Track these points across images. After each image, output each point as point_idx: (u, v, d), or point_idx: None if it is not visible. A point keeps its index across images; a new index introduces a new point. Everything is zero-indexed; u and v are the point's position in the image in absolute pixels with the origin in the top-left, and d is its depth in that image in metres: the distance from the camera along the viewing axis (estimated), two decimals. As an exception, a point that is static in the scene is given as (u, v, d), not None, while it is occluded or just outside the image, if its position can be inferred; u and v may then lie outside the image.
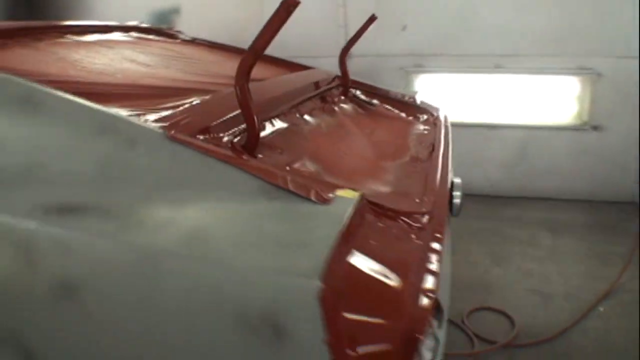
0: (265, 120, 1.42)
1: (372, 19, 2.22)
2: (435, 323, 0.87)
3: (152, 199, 0.97)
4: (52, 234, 0.89)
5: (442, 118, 2.14)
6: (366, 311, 0.75)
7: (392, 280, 0.79)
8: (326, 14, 4.26)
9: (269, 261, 0.77)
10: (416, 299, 0.78)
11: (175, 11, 4.98)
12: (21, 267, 0.90)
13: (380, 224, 0.95)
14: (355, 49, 3.74)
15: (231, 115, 1.23)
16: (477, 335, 2.41)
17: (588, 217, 3.64)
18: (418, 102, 2.33)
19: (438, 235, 0.98)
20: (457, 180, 1.64)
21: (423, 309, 0.78)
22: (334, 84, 2.24)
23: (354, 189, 0.97)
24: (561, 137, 3.88)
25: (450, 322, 2.47)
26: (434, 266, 0.87)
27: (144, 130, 1.07)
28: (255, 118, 1.14)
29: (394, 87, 3.79)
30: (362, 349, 0.72)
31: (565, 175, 3.91)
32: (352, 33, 3.84)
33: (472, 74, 3.96)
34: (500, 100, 3.98)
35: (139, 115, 1.11)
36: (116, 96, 1.32)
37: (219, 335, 0.79)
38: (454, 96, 4.09)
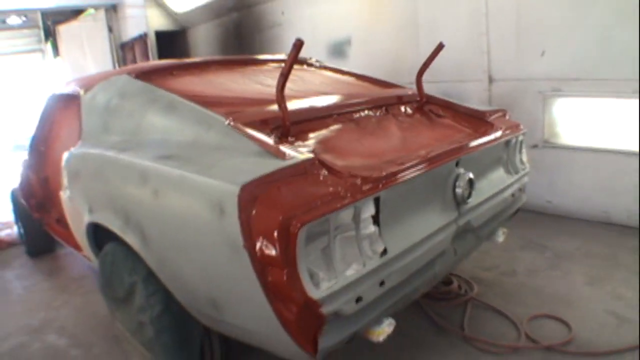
0: (312, 119, 2.33)
1: (440, 46, 2.78)
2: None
3: (211, 155, 1.95)
4: (156, 167, 1.95)
5: (501, 132, 2.64)
6: (265, 212, 1.55)
7: (289, 198, 1.60)
8: (471, 42, 4.81)
9: (229, 177, 1.66)
10: (299, 213, 1.53)
11: (347, 42, 6.12)
12: (140, 181, 1.97)
13: (321, 175, 1.77)
14: (497, 73, 4.45)
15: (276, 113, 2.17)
16: (528, 336, 2.68)
17: None
18: (492, 117, 2.83)
19: (357, 193, 1.70)
20: (471, 176, 2.24)
21: (301, 217, 1.52)
22: (406, 99, 2.91)
23: (310, 154, 1.82)
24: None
25: (508, 319, 2.86)
26: (328, 204, 1.60)
27: (217, 120, 2.08)
28: (285, 116, 2.07)
29: (531, 110, 4.32)
30: (258, 232, 1.55)
31: None
32: (494, 59, 4.52)
33: (611, 98, 4.08)
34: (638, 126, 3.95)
35: (225, 114, 2.12)
36: (223, 104, 2.37)
37: (203, 213, 1.72)
38: (591, 121, 4.28)
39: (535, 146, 4.55)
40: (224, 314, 1.86)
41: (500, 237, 2.81)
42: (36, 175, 3.93)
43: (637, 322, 2.79)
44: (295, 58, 1.97)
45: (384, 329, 1.92)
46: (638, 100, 3.75)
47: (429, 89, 3.08)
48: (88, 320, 3.35)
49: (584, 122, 4.38)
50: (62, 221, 3.55)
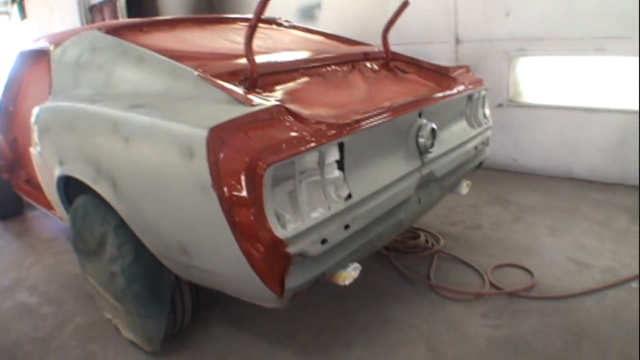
0: (280, 72, 2.38)
1: (405, 4, 2.84)
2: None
3: (182, 104, 2.00)
4: (127, 116, 2.00)
5: (464, 86, 2.74)
6: (232, 154, 1.61)
7: (255, 141, 1.67)
8: (438, 4, 4.90)
9: (198, 122, 1.71)
10: (265, 156, 1.60)
11: (317, 6, 6.12)
12: (111, 130, 2.02)
13: (287, 121, 1.84)
14: (463, 35, 4.56)
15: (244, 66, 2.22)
16: (492, 284, 2.81)
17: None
18: (456, 73, 2.92)
19: (321, 138, 1.78)
20: (433, 126, 2.33)
21: (266, 159, 1.59)
22: (372, 56, 2.97)
23: (276, 103, 1.89)
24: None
25: (473, 269, 2.99)
26: (294, 147, 1.68)
27: (186, 71, 2.12)
28: (253, 67, 2.11)
29: (496, 70, 4.44)
30: (226, 173, 1.61)
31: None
32: (461, 20, 4.60)
33: (574, 56, 4.21)
34: (601, 83, 4.15)
35: (195, 66, 2.16)
36: (192, 58, 2.41)
37: (173, 158, 1.77)
38: (555, 80, 4.42)
39: (500, 105, 4.68)
40: (193, 259, 1.93)
41: (464, 189, 2.92)
42: (4, 136, 3.92)
43: (597, 267, 2.97)
44: (262, 9, 2.01)
45: (350, 273, 2.01)
46: (638, 60, 3.84)
47: (397, 50, 3.13)
48: (59, 279, 3.38)
49: (547, 80, 4.52)
50: (31, 181, 3.56)
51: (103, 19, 8.82)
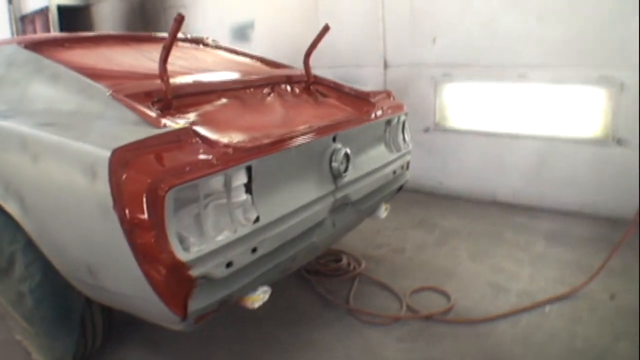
0: (196, 94, 2.41)
1: (325, 28, 2.91)
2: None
3: (91, 124, 2.00)
4: (36, 134, 1.98)
5: (382, 111, 2.83)
6: (134, 175, 1.62)
7: (158, 163, 1.67)
8: (368, 28, 5.05)
9: (102, 142, 1.71)
10: (167, 178, 1.61)
11: (251, 26, 6.21)
12: (20, 148, 2.00)
13: (195, 144, 1.86)
14: (392, 59, 4.70)
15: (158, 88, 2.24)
16: (409, 307, 2.88)
17: (598, 231, 3.84)
18: (376, 98, 2.99)
19: (228, 161, 1.80)
20: (347, 151, 2.38)
21: (169, 181, 1.61)
22: (294, 79, 3.03)
23: (185, 124, 1.91)
24: (583, 150, 4.10)
25: (393, 293, 3.05)
26: (198, 170, 1.70)
27: (99, 90, 2.13)
28: (167, 89, 2.14)
29: (423, 95, 4.59)
30: (128, 195, 1.62)
31: (585, 189, 4.13)
32: (389, 44, 4.75)
33: (497, 83, 4.40)
34: (523, 110, 4.34)
35: (109, 85, 2.16)
36: (110, 76, 2.41)
37: (77, 178, 1.77)
38: (479, 105, 4.59)
39: (427, 129, 4.83)
40: (99, 280, 1.91)
41: (383, 213, 3.00)
42: None
43: (514, 291, 3.09)
44: (176, 32, 2.05)
45: (259, 296, 2.04)
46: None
47: (327, 73, 3.23)
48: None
49: (472, 106, 4.69)
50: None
51: (34, 30, 8.64)
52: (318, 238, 2.35)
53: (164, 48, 2.10)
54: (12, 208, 2.14)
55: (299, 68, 3.32)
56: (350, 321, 2.83)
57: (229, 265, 1.83)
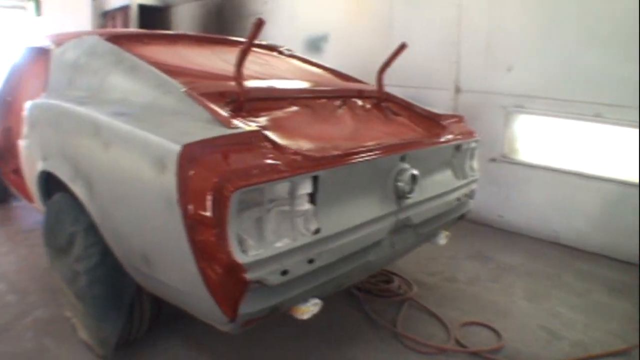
0: (269, 99, 2.41)
1: (402, 46, 2.87)
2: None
3: (164, 118, 2.03)
4: (110, 122, 2.02)
5: (453, 136, 2.76)
6: (201, 172, 1.62)
7: (227, 163, 1.67)
8: (441, 51, 4.97)
9: (174, 136, 1.74)
10: (234, 179, 1.61)
11: (324, 39, 6.24)
12: (93, 134, 2.04)
13: (264, 148, 1.85)
14: (464, 84, 4.61)
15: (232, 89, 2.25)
16: (457, 340, 2.77)
17: (666, 287, 3.55)
18: (447, 122, 2.93)
19: (295, 169, 1.78)
20: (414, 172, 2.32)
21: (235, 182, 1.60)
22: (366, 94, 3.00)
23: (256, 127, 1.90)
24: (659, 199, 3.79)
25: (441, 323, 2.94)
26: (265, 175, 1.69)
27: (174, 86, 2.15)
28: (241, 91, 2.14)
29: (493, 124, 4.48)
30: (193, 191, 1.63)
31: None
32: (463, 69, 4.67)
33: (571, 119, 4.20)
34: (596, 150, 4.12)
35: (184, 83, 2.20)
36: (184, 74, 2.44)
37: (146, 168, 1.79)
38: (550, 140, 4.41)
39: (493, 160, 4.69)
40: (154, 271, 1.93)
41: (442, 239, 2.91)
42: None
43: (568, 339, 2.92)
44: (255, 35, 2.05)
45: (309, 308, 1.99)
46: (638, 130, 3.81)
47: (397, 92, 3.17)
48: (29, 271, 3.40)
49: (543, 140, 4.51)
50: (18, 172, 3.57)
51: (114, 26, 8.96)
52: (374, 257, 2.30)
53: (241, 51, 2.11)
54: (79, 190, 2.20)
55: (365, 82, 3.28)
56: (395, 345, 2.75)
57: (284, 273, 1.80)
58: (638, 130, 3.80)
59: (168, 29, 8.96)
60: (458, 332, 2.88)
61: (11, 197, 4.70)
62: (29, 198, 3.26)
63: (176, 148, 1.67)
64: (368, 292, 3.24)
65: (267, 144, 1.84)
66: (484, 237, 4.54)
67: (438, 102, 4.68)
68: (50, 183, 2.61)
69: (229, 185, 1.60)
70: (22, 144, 2.89)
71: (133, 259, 2.03)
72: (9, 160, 3.89)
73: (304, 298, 1.99)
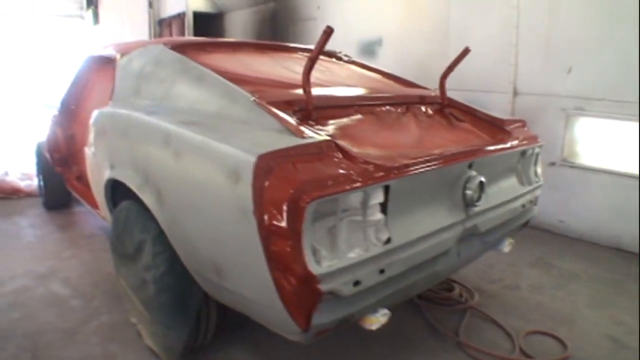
0: (334, 107, 2.39)
1: (466, 51, 2.81)
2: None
3: (234, 127, 2.03)
4: (180, 131, 2.03)
5: (518, 141, 2.69)
6: (277, 183, 1.62)
7: (302, 173, 1.65)
8: (499, 53, 4.85)
9: (248, 147, 1.73)
10: (310, 189, 1.59)
11: (378, 43, 6.18)
12: (163, 143, 2.05)
13: (336, 157, 1.83)
14: (522, 86, 4.49)
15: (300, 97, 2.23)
16: (522, 350, 2.70)
17: None
18: (511, 127, 2.87)
19: (368, 179, 1.76)
20: (482, 179, 2.27)
21: (311, 193, 1.59)
22: (428, 100, 2.95)
23: (327, 137, 1.89)
24: None
25: (505, 332, 2.87)
26: (339, 185, 1.67)
27: (243, 95, 2.15)
28: (309, 99, 2.13)
29: (552, 127, 4.34)
30: (269, 202, 1.61)
31: None
32: (521, 72, 4.54)
33: (632, 122, 4.04)
34: None
35: (251, 91, 2.20)
36: (250, 83, 2.45)
37: (219, 178, 1.78)
38: (612, 143, 4.28)
39: (553, 164, 4.56)
40: (224, 280, 1.93)
41: (507, 247, 2.83)
42: (63, 131, 4.05)
43: (636, 349, 2.80)
44: (324, 43, 2.03)
45: (379, 318, 1.97)
46: (638, 123, 3.75)
47: (454, 96, 3.11)
48: (93, 275, 3.46)
49: (604, 143, 4.38)
50: (82, 179, 3.66)
51: (170, 33, 9.14)
52: (441, 267, 2.26)
53: (309, 59, 2.09)
54: (148, 199, 2.21)
55: (426, 87, 3.23)
56: (457, 354, 2.70)
57: (356, 283, 1.78)
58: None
59: (222, 35, 9.08)
60: (522, 341, 2.80)
61: (73, 202, 4.81)
62: (93, 204, 3.33)
63: (251, 159, 1.66)
64: (429, 300, 3.18)
65: (338, 153, 1.82)
66: (544, 243, 4.43)
67: (495, 105, 4.57)
68: (116, 190, 2.64)
69: (304, 196, 1.58)
70: (88, 151, 2.94)
71: (202, 268, 2.04)
72: (72, 167, 3.99)
73: (373, 308, 1.96)
